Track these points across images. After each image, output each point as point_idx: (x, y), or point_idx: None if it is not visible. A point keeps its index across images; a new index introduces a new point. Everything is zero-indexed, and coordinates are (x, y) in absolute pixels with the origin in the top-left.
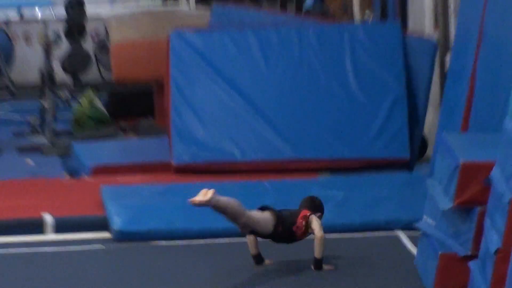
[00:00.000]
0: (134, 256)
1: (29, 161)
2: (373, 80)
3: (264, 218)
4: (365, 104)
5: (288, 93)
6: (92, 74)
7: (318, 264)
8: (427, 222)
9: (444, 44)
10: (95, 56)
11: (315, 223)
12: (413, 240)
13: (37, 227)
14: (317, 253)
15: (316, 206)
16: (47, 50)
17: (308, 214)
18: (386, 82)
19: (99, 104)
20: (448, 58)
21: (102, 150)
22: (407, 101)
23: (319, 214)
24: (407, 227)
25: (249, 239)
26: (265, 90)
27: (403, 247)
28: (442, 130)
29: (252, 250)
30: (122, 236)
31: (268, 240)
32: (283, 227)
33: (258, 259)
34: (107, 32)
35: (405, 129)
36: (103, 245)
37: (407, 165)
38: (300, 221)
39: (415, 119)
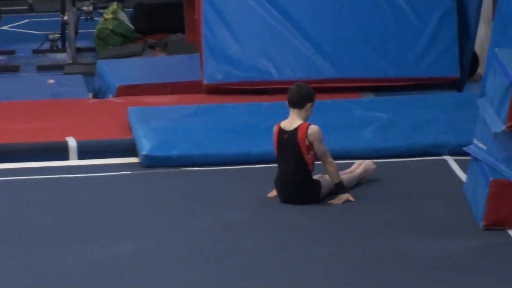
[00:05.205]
0: (163, 183)
1: (50, 80)
2: None
3: None
4: (412, 17)
5: (328, 6)
6: None
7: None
8: (477, 146)
9: None
10: None
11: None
12: (462, 166)
13: (60, 152)
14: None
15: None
16: None
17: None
18: None
19: (124, 18)
20: None
21: (128, 68)
22: (457, 14)
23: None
24: (456, 151)
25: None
26: (304, 2)
27: (451, 172)
28: (495, 46)
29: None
30: (151, 161)
31: None
32: None
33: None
34: None
35: (455, 45)
36: (130, 171)
37: (456, 85)
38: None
39: (465, 34)
